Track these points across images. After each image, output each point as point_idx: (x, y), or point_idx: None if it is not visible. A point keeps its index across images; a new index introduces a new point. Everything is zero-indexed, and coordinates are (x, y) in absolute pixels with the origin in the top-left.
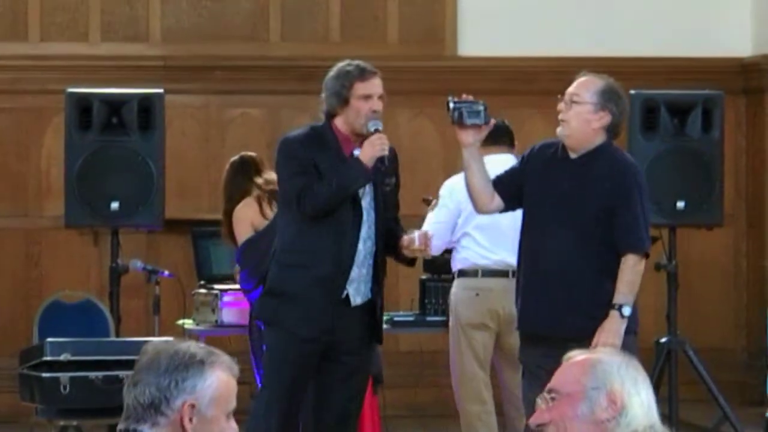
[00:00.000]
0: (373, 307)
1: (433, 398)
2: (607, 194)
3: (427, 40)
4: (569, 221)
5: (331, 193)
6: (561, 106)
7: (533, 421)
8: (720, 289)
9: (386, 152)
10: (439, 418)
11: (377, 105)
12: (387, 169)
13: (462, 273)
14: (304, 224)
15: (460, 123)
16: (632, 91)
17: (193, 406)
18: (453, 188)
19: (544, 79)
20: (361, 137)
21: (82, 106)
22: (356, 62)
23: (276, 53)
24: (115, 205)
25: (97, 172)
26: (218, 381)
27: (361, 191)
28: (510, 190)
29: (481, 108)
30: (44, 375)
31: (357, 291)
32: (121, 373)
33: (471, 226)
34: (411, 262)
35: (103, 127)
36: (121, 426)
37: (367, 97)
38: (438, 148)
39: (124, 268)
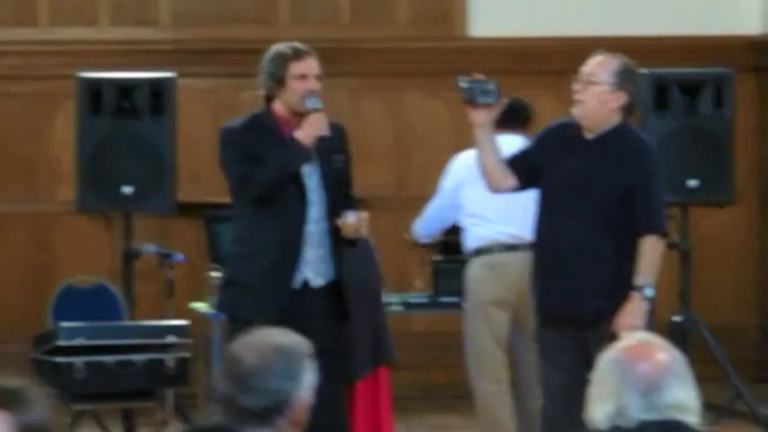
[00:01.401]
0: (336, 286)
1: (446, 380)
2: (626, 175)
3: (437, 21)
4: (587, 202)
5: (272, 176)
6: (576, 86)
7: None
8: (732, 267)
9: (325, 132)
10: (452, 399)
11: (313, 84)
12: (335, 146)
13: (477, 251)
14: (252, 213)
15: (471, 102)
16: (644, 70)
17: (304, 399)
18: (452, 169)
19: (556, 59)
20: (301, 117)
21: (93, 91)
22: (291, 43)
23: (286, 35)
24: (127, 189)
25: (109, 157)
26: (313, 371)
27: (305, 171)
28: (524, 169)
29: (493, 87)
30: (58, 360)
31: (317, 273)
32: (135, 357)
33: (480, 203)
34: (351, 243)
35: (114, 112)
36: (216, 418)
37: (303, 77)
38: (449, 129)
39: (137, 252)
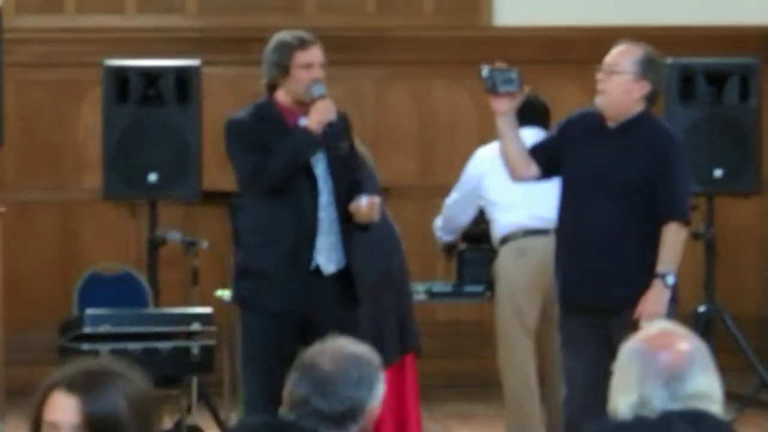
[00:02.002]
0: (348, 273)
1: (470, 368)
2: (648, 163)
3: (462, 10)
4: (609, 191)
5: (284, 165)
6: (600, 75)
7: None
8: (757, 257)
9: (333, 117)
10: (476, 388)
11: (318, 73)
12: (339, 133)
13: (504, 239)
14: (263, 202)
15: (493, 91)
16: (669, 60)
17: (376, 408)
18: (472, 163)
19: (580, 49)
20: (306, 106)
21: (120, 79)
22: (294, 32)
23: (312, 24)
24: (152, 177)
25: (135, 145)
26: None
27: (313, 159)
28: (547, 158)
29: (515, 75)
30: (84, 347)
31: (328, 260)
32: (160, 345)
33: (504, 190)
34: (363, 228)
35: (140, 100)
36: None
37: (308, 66)
38: (473, 119)
39: (162, 240)
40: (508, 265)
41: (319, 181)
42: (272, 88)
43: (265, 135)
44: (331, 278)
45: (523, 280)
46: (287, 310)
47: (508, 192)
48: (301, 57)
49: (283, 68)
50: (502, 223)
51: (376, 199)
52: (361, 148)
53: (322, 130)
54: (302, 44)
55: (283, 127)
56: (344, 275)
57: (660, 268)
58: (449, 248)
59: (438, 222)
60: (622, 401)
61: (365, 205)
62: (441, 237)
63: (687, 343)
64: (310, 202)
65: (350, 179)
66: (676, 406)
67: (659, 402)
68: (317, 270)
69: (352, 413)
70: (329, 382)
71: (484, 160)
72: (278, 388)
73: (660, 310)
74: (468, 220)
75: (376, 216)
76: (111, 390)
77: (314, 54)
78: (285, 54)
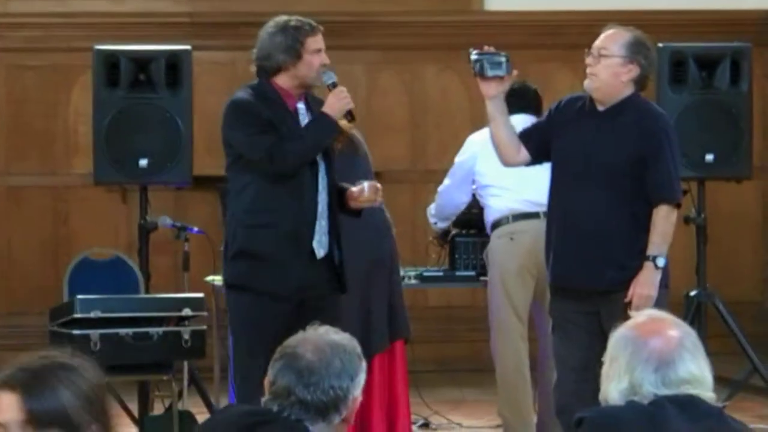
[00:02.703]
0: (332, 258)
1: (462, 353)
2: (638, 145)
3: None
4: (599, 174)
5: (305, 150)
6: (589, 59)
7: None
8: (749, 241)
9: (352, 105)
10: (468, 372)
11: (326, 58)
12: (351, 120)
13: (495, 224)
14: (264, 183)
15: (481, 75)
16: (660, 44)
17: (358, 398)
18: (465, 147)
19: (571, 33)
20: (303, 90)
21: (110, 64)
22: (297, 17)
23: (303, 8)
24: (143, 162)
25: (126, 130)
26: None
27: None
28: (537, 143)
29: (503, 59)
30: (75, 332)
31: (320, 243)
32: (151, 330)
33: (494, 177)
34: (357, 213)
35: (130, 85)
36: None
37: (318, 51)
38: (464, 103)
39: (153, 225)
40: (499, 250)
41: (319, 166)
42: (273, 71)
43: (270, 115)
44: (321, 262)
45: (514, 264)
46: (287, 291)
47: (499, 177)
48: (313, 42)
49: (294, 53)
50: (492, 208)
51: (378, 184)
52: (355, 133)
53: (340, 117)
54: (313, 29)
55: (285, 109)
56: (330, 260)
57: (651, 250)
58: (443, 235)
59: (431, 209)
60: (613, 388)
61: (368, 189)
62: (435, 224)
63: (676, 329)
64: (311, 186)
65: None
66: (667, 391)
67: (650, 387)
68: (311, 253)
69: (335, 403)
70: (313, 372)
71: (476, 145)
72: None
73: (651, 292)
74: (461, 205)
75: (378, 200)
76: (54, 384)
77: (321, 39)
78: (297, 38)
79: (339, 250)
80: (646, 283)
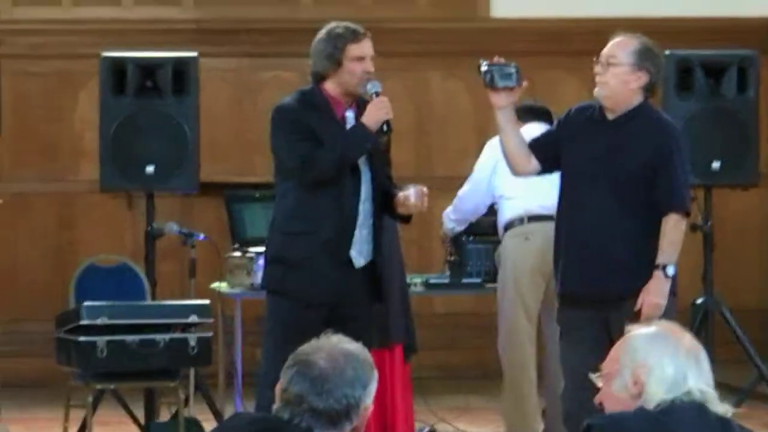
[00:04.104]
0: (373, 268)
1: (467, 360)
2: (647, 154)
3: (459, 1)
4: (609, 182)
5: (336, 159)
6: (597, 68)
7: (596, 400)
8: (756, 249)
9: (390, 115)
10: (473, 380)
11: (370, 66)
12: (382, 128)
13: (509, 225)
14: (304, 191)
15: (492, 86)
16: (667, 52)
17: (369, 407)
18: (484, 154)
19: (577, 40)
20: (353, 98)
21: (117, 70)
22: (346, 24)
23: (307, 16)
24: (150, 168)
25: (132, 136)
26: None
27: None
28: (547, 152)
29: (513, 70)
30: (81, 339)
31: (359, 253)
32: (158, 337)
33: (509, 181)
34: (407, 219)
35: (137, 91)
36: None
37: (360, 59)
38: (470, 110)
39: (160, 232)
40: (512, 250)
41: (362, 174)
42: (321, 78)
43: (315, 123)
44: (358, 272)
45: (527, 265)
46: (318, 299)
47: (515, 181)
48: (354, 49)
49: (335, 60)
50: (507, 210)
51: (425, 189)
52: None
53: (377, 128)
54: (355, 36)
55: (331, 117)
56: (369, 270)
57: (660, 259)
58: (456, 238)
59: (449, 213)
60: (655, 381)
61: (414, 195)
62: (452, 228)
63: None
64: (351, 195)
65: (387, 173)
66: (704, 386)
67: (691, 381)
68: (348, 262)
69: (348, 412)
70: (326, 380)
71: (496, 149)
72: None
73: (661, 301)
74: (481, 208)
75: (424, 206)
76: None
77: (366, 46)
78: (338, 46)
79: (380, 259)
80: (657, 291)
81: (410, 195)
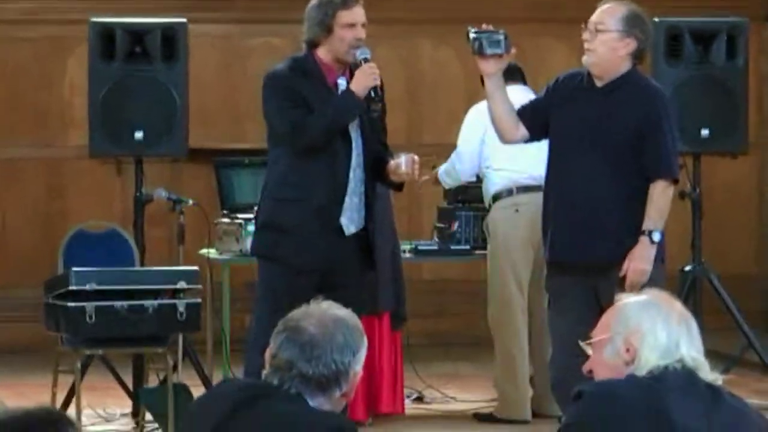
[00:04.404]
0: (365, 235)
1: (456, 327)
2: (636, 121)
3: None
4: (597, 149)
5: (326, 126)
6: (586, 35)
7: (585, 368)
8: (744, 216)
9: (378, 81)
10: (462, 346)
11: (361, 33)
12: (375, 96)
13: (497, 196)
14: (295, 157)
15: (480, 53)
16: (656, 19)
17: (359, 373)
18: (477, 115)
19: (568, 7)
20: (345, 65)
21: (106, 36)
22: None
23: None
24: (139, 134)
25: (121, 102)
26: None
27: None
28: (535, 119)
29: (502, 37)
30: (70, 304)
31: (350, 220)
32: (146, 303)
33: (497, 151)
34: (399, 187)
35: (126, 57)
36: (274, 380)
37: (351, 26)
38: (460, 78)
39: (149, 198)
40: (503, 221)
41: (353, 142)
42: (313, 44)
43: (307, 90)
44: (349, 239)
45: (518, 236)
46: (309, 265)
47: (502, 151)
48: (345, 16)
49: (326, 27)
50: (495, 179)
51: (416, 157)
52: None
53: (365, 94)
54: (346, 3)
55: (323, 83)
56: (361, 237)
57: (646, 225)
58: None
59: (452, 168)
60: (649, 348)
61: (406, 163)
62: (457, 179)
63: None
64: (343, 162)
65: (380, 140)
66: (695, 354)
67: (683, 348)
68: (339, 229)
69: (337, 377)
70: (315, 346)
71: (483, 114)
72: None
73: (646, 266)
74: (475, 170)
75: (416, 174)
76: None
77: (357, 13)
78: (328, 12)
79: (372, 226)
80: (642, 257)
81: (401, 163)
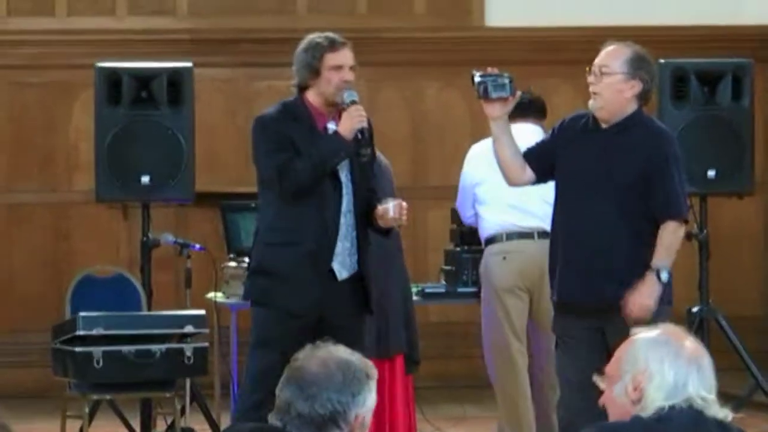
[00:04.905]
0: (361, 279)
1: (464, 369)
2: (643, 163)
3: (454, 11)
4: (604, 191)
5: (312, 169)
6: (591, 78)
7: (600, 402)
8: (751, 257)
9: (365, 124)
10: (470, 389)
11: (349, 75)
12: (364, 140)
13: (489, 240)
14: (285, 202)
15: (485, 97)
16: (662, 60)
17: (362, 418)
18: (470, 160)
19: (572, 49)
20: (334, 108)
21: (112, 81)
22: (326, 33)
23: (303, 25)
24: (145, 179)
25: (127, 147)
26: (375, 393)
27: (339, 164)
28: (541, 162)
29: (507, 81)
30: (77, 350)
31: (342, 265)
32: (154, 347)
33: (491, 194)
34: (386, 232)
35: (132, 102)
36: (276, 422)
37: (338, 68)
38: (466, 120)
39: (155, 242)
40: (492, 266)
41: (343, 186)
42: (302, 88)
43: (294, 134)
44: (344, 283)
45: (509, 283)
46: (302, 310)
47: (494, 191)
48: (332, 59)
49: (313, 69)
50: (487, 222)
51: (404, 203)
52: (381, 157)
53: (352, 136)
54: (333, 45)
55: (312, 128)
56: (356, 281)
57: (655, 262)
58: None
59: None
60: (653, 390)
61: (393, 209)
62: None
63: (691, 338)
64: (333, 207)
65: (368, 186)
66: (705, 394)
67: (691, 388)
68: (332, 274)
69: (334, 417)
70: (312, 384)
71: (479, 157)
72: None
73: (650, 303)
74: (470, 218)
75: (404, 220)
76: None
77: (345, 56)
78: (315, 55)
79: (366, 270)
80: (646, 293)
81: (389, 208)
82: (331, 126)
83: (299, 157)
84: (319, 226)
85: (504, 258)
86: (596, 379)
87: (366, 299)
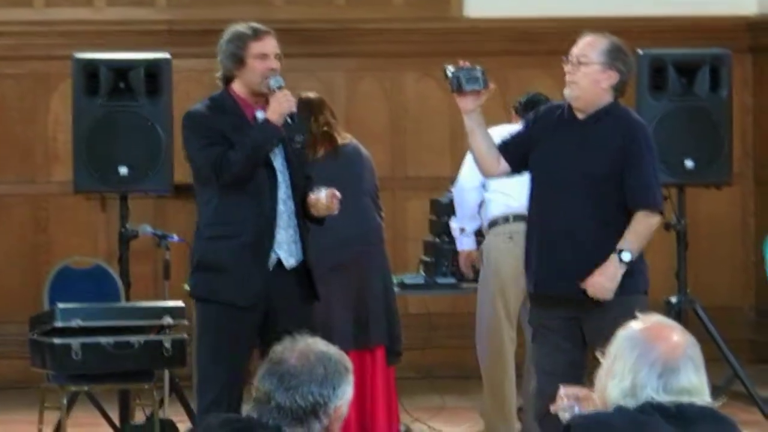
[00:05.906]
0: (305, 267)
1: (442, 360)
2: (617, 154)
3: (432, 2)
4: (579, 182)
5: (246, 159)
6: (568, 67)
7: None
8: (728, 247)
9: (294, 108)
10: (448, 379)
11: (274, 63)
12: (295, 126)
13: (493, 223)
14: (222, 195)
15: (459, 90)
16: (640, 51)
17: (341, 410)
18: (468, 161)
19: (550, 40)
20: (262, 98)
21: (89, 72)
22: (249, 23)
23: (280, 16)
24: (123, 170)
25: (105, 138)
26: (352, 385)
27: (272, 152)
28: (516, 153)
29: (479, 73)
30: (56, 341)
31: (289, 253)
32: (132, 339)
33: (499, 181)
34: (319, 221)
35: (110, 93)
36: (253, 414)
37: (263, 56)
38: (444, 111)
39: (134, 233)
40: (496, 249)
41: (278, 174)
42: (228, 80)
43: (225, 127)
44: (291, 272)
45: (511, 266)
46: (247, 303)
47: (500, 181)
48: (256, 47)
49: (238, 59)
50: (492, 206)
51: (336, 192)
52: (362, 149)
53: (282, 122)
54: (256, 34)
55: (241, 119)
56: (302, 269)
57: (620, 244)
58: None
59: (453, 222)
60: (613, 386)
61: (325, 197)
62: (461, 230)
63: (681, 336)
64: (270, 196)
65: (305, 173)
66: (665, 397)
67: (650, 392)
68: (277, 263)
69: (315, 409)
70: (293, 377)
71: None
72: (238, 376)
73: (609, 284)
74: (478, 201)
75: (335, 209)
76: None
77: (269, 44)
78: (239, 45)
79: (309, 257)
80: (606, 273)
81: (321, 197)
82: (260, 115)
83: (232, 149)
84: (257, 217)
85: (510, 238)
86: (597, 353)
87: (310, 287)
